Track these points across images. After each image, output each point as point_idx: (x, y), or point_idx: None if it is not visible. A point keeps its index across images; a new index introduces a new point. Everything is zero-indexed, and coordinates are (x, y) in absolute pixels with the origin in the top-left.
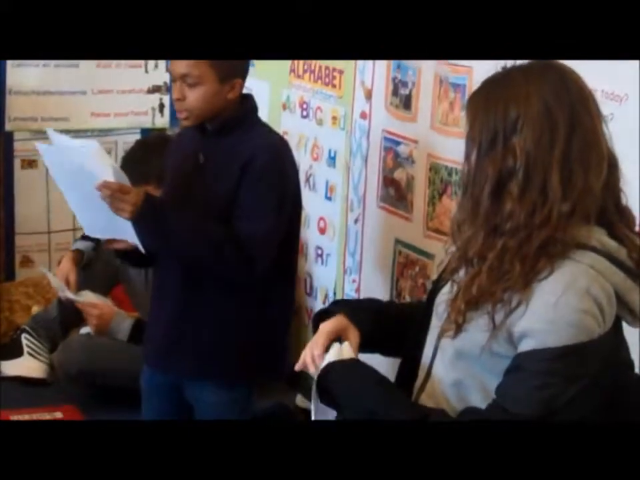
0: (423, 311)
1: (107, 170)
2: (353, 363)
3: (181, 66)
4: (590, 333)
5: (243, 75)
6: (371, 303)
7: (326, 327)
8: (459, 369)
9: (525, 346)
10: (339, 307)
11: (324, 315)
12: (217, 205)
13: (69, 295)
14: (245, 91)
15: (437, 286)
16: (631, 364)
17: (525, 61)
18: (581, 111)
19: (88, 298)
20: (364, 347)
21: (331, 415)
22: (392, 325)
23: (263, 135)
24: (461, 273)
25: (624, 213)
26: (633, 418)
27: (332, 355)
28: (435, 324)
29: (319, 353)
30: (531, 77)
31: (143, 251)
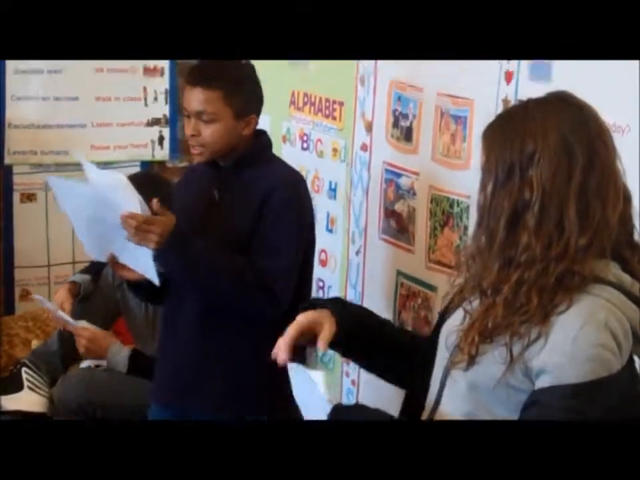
0: (428, 342)
1: (134, 203)
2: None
3: (196, 103)
4: (609, 368)
5: (258, 110)
6: (366, 310)
7: (301, 317)
8: (471, 402)
9: (544, 382)
10: (330, 301)
11: (311, 306)
12: (234, 241)
13: (63, 315)
14: None
15: (444, 317)
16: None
17: (541, 95)
18: (599, 145)
19: (82, 324)
20: (339, 347)
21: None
22: (377, 335)
23: (279, 170)
24: (474, 303)
25: (637, 248)
26: None
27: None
28: (443, 355)
29: (285, 341)
30: (548, 111)
31: (156, 283)
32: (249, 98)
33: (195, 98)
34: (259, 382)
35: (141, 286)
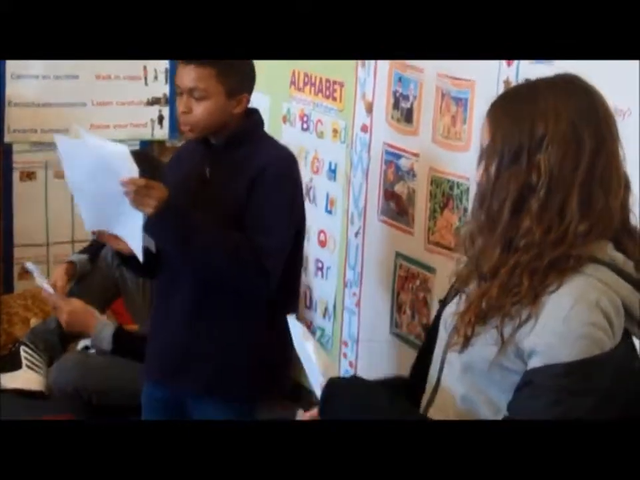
0: (430, 330)
1: (134, 174)
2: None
3: (189, 79)
4: (601, 346)
5: (250, 89)
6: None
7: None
8: (466, 384)
9: (536, 362)
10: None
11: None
12: (224, 218)
13: (47, 288)
14: None
15: (445, 301)
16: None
17: (549, 77)
18: (606, 132)
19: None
20: None
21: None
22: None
23: (271, 148)
24: (471, 286)
25: (632, 232)
26: None
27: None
28: (442, 339)
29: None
30: (558, 93)
31: (140, 258)
32: (241, 77)
33: (188, 75)
34: (248, 364)
35: (133, 259)
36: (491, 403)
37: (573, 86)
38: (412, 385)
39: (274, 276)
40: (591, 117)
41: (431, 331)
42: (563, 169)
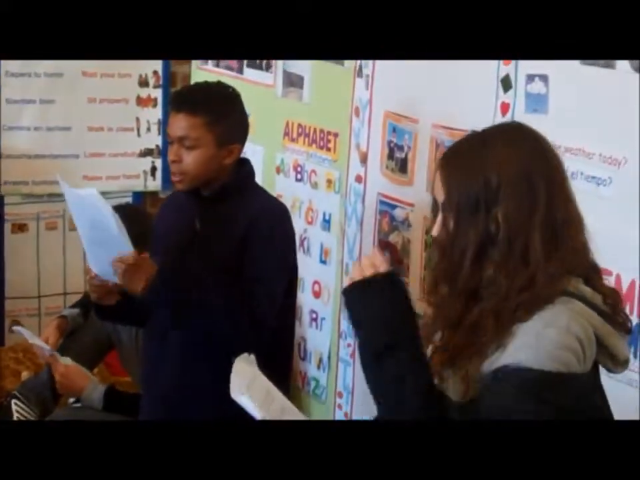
0: None
1: (109, 218)
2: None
3: (179, 128)
4: (568, 367)
5: (242, 140)
6: None
7: None
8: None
9: (506, 361)
10: None
11: None
12: (215, 270)
13: (43, 345)
14: None
15: None
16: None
17: (496, 125)
18: (557, 175)
19: (65, 361)
20: None
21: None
22: None
23: (262, 201)
24: (437, 336)
25: (595, 267)
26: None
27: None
28: None
29: None
30: (507, 142)
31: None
32: (233, 126)
33: (178, 123)
34: (241, 412)
35: (111, 311)
36: None
37: (520, 133)
38: None
39: (266, 325)
40: (542, 162)
41: None
42: (521, 216)
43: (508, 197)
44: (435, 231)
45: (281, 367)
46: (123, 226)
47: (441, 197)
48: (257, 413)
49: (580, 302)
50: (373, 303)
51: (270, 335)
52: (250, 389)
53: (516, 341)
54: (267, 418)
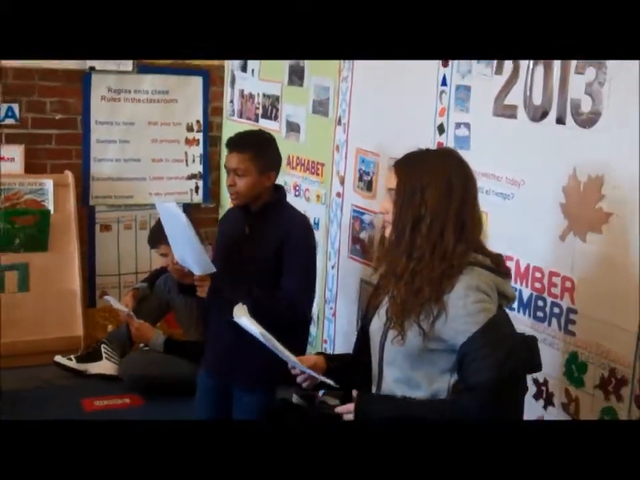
0: (361, 334)
1: (184, 223)
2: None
3: (233, 162)
4: (491, 311)
5: (276, 169)
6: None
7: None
8: (406, 367)
9: (461, 339)
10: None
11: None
12: (259, 266)
13: (122, 308)
14: None
15: (366, 316)
16: None
17: (436, 148)
18: (470, 186)
19: (138, 320)
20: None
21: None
22: (347, 364)
23: (293, 215)
24: (390, 291)
25: (484, 244)
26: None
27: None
28: (376, 342)
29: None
30: (439, 159)
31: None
32: (269, 160)
33: (232, 159)
34: (271, 365)
35: (188, 288)
36: (426, 376)
37: (450, 154)
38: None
39: (302, 309)
40: (460, 175)
41: (360, 340)
42: (441, 207)
43: (433, 193)
44: (381, 207)
45: (304, 333)
46: (193, 228)
47: (392, 186)
48: (255, 329)
49: (478, 267)
50: (372, 416)
51: (306, 309)
52: (244, 315)
53: (451, 313)
54: (261, 332)
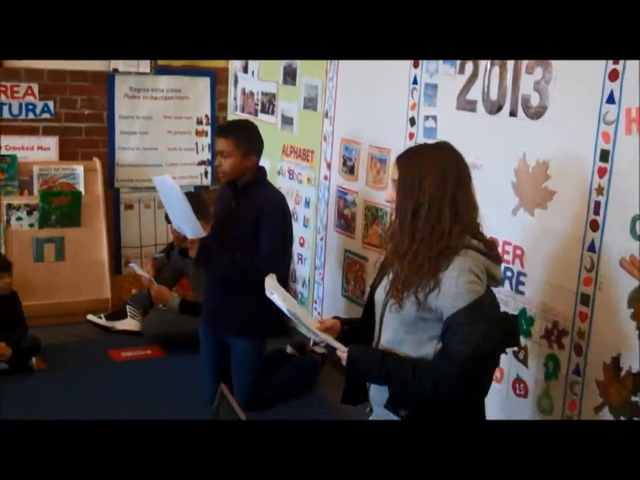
0: (368, 301)
1: (179, 193)
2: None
3: (220, 145)
4: (478, 293)
5: (258, 153)
6: (351, 319)
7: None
8: (400, 331)
9: (447, 313)
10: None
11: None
12: (244, 234)
13: (145, 274)
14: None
15: (374, 284)
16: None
17: (433, 142)
18: (463, 174)
19: (156, 285)
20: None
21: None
22: (355, 326)
23: (270, 191)
24: (395, 269)
25: (479, 229)
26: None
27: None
28: (379, 307)
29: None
30: (436, 151)
31: (188, 236)
32: (251, 144)
33: (220, 143)
34: (260, 315)
35: (186, 252)
36: (416, 340)
37: (446, 147)
38: (354, 324)
39: (273, 267)
40: (454, 165)
41: (368, 306)
42: (437, 194)
43: (430, 182)
44: (387, 196)
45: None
46: (186, 198)
47: (395, 177)
48: (282, 305)
49: (472, 250)
50: (363, 369)
51: (279, 269)
52: (276, 291)
53: (444, 288)
54: (288, 308)
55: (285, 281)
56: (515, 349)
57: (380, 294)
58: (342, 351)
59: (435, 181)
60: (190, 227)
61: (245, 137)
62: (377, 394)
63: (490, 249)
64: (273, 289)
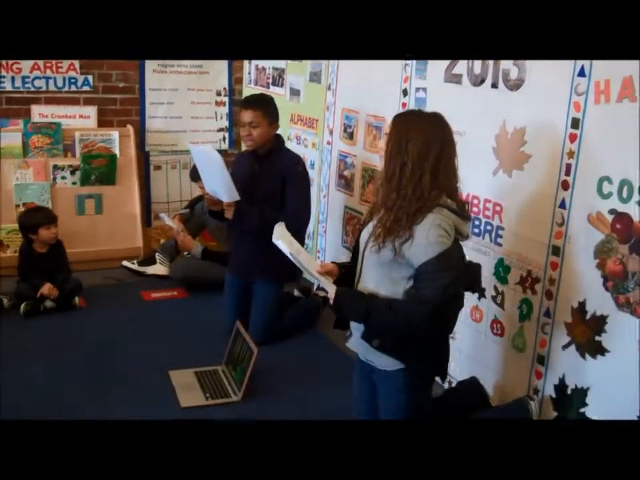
0: (355, 243)
1: (220, 163)
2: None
3: (249, 116)
4: (446, 245)
5: (278, 121)
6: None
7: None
8: (378, 271)
9: (418, 261)
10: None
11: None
12: (267, 195)
13: (174, 226)
14: None
15: (361, 230)
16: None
17: (427, 111)
18: (446, 146)
19: (183, 235)
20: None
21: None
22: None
23: (292, 156)
24: (379, 215)
25: (456, 190)
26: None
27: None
28: (362, 248)
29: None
30: (424, 119)
31: (224, 200)
32: (274, 114)
33: (249, 115)
34: (280, 266)
35: (219, 215)
36: (392, 280)
37: (435, 119)
38: (349, 267)
39: (300, 224)
40: (439, 137)
41: (355, 245)
42: (419, 158)
43: (413, 146)
44: (380, 145)
45: (302, 242)
46: (225, 167)
47: (387, 132)
48: (286, 250)
49: (445, 209)
50: (346, 307)
51: (305, 223)
52: (282, 238)
53: (416, 239)
54: (293, 254)
55: (304, 237)
56: (493, 293)
57: (364, 235)
58: (332, 292)
59: (418, 148)
60: (227, 192)
61: (269, 108)
62: (357, 324)
63: (461, 209)
64: (279, 236)
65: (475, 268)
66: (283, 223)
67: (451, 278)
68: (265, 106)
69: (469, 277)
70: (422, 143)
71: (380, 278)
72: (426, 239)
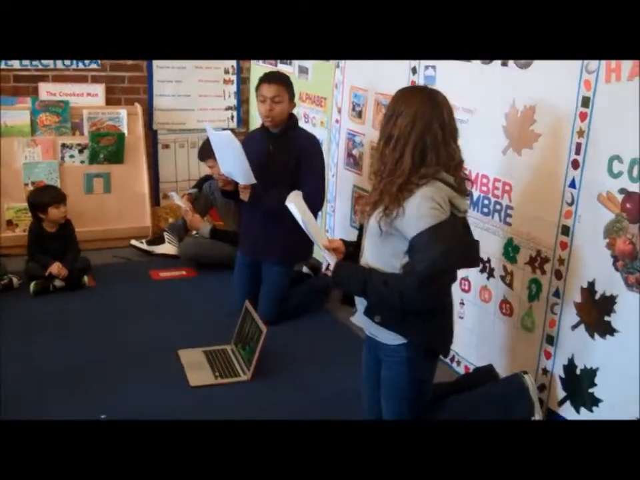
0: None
1: (237, 146)
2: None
3: (271, 91)
4: (439, 218)
5: (294, 98)
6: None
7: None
8: (377, 245)
9: (410, 234)
10: (342, 240)
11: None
12: (282, 175)
13: (183, 205)
14: None
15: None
16: (467, 233)
17: (429, 87)
18: (435, 124)
19: (190, 215)
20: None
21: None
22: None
23: (307, 135)
24: (372, 183)
25: (459, 164)
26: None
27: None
28: (366, 227)
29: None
30: (418, 96)
31: (240, 182)
32: (293, 90)
33: (271, 90)
34: (291, 246)
35: (231, 195)
36: (390, 253)
37: (430, 96)
38: (357, 246)
39: (317, 203)
40: (428, 114)
41: (361, 226)
42: (404, 132)
43: (400, 121)
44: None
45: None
46: (244, 152)
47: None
48: (298, 216)
49: (440, 182)
50: (344, 279)
51: (321, 201)
52: (296, 204)
53: (407, 211)
54: (303, 219)
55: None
56: (502, 273)
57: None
58: (332, 264)
59: (404, 122)
60: (243, 175)
61: (291, 85)
62: (361, 300)
63: (459, 184)
64: (293, 201)
65: (473, 244)
66: (299, 192)
67: (440, 251)
68: (287, 82)
69: (466, 252)
70: (408, 119)
71: (378, 251)
72: (417, 211)
